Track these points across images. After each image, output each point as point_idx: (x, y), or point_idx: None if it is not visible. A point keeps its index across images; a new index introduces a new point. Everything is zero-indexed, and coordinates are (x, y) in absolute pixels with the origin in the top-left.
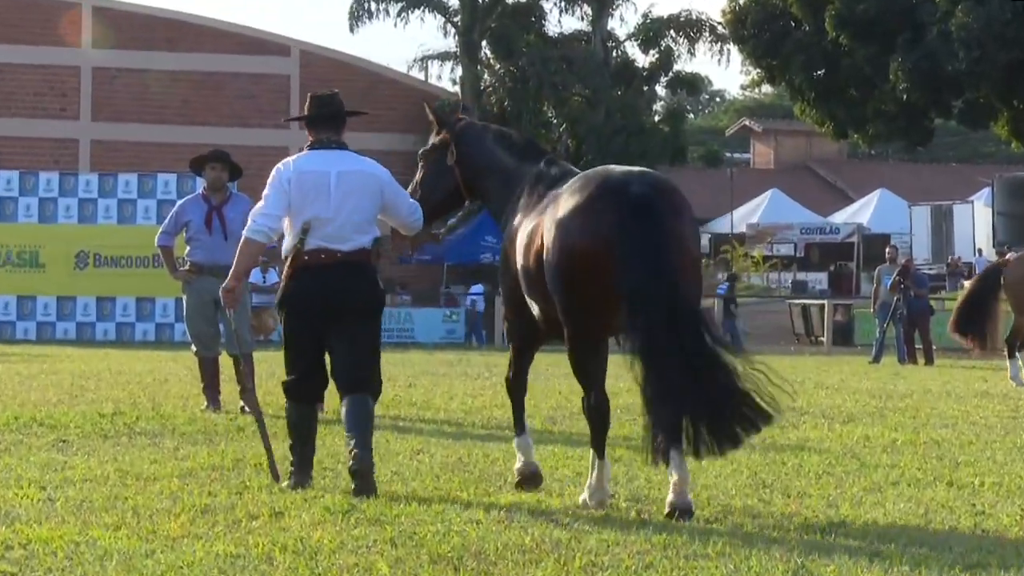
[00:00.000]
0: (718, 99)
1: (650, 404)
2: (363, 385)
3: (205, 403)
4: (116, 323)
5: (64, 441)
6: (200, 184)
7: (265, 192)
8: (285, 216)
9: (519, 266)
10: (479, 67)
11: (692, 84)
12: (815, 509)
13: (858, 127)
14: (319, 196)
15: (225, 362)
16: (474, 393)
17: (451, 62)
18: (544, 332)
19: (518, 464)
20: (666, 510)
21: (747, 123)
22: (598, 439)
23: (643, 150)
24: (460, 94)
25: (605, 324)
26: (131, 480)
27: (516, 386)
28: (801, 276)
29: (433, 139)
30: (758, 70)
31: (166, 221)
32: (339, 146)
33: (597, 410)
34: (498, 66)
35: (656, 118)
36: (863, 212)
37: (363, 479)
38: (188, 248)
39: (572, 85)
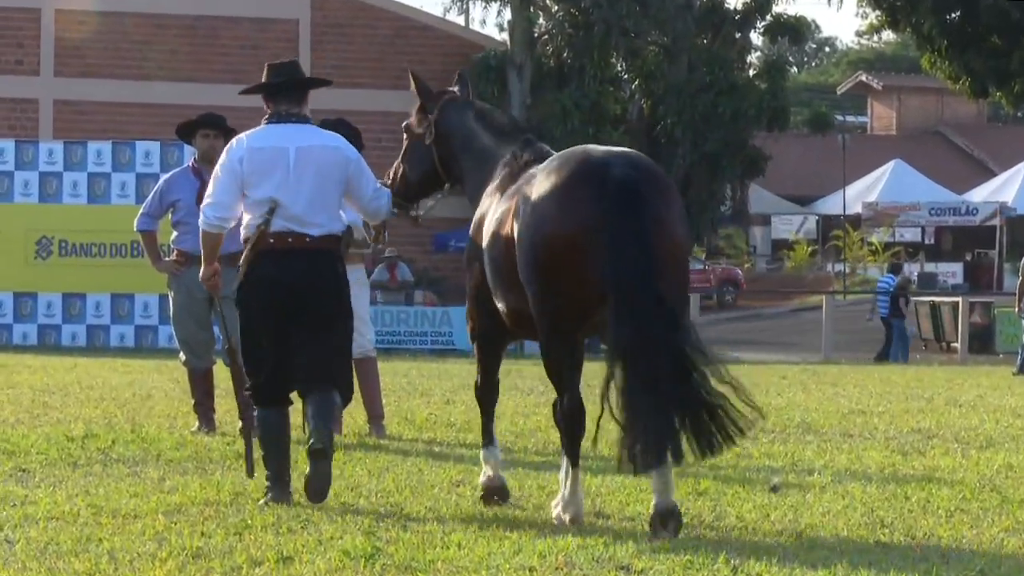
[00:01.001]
0: (827, 49)
1: (634, 404)
2: (329, 382)
3: (196, 423)
4: (86, 325)
5: (24, 470)
6: (190, 155)
7: (215, 173)
8: (238, 202)
9: (486, 256)
10: (532, 9)
11: (795, 30)
12: (945, 554)
13: (1001, 83)
14: (277, 174)
15: (222, 373)
16: (526, 411)
17: (498, 3)
18: (510, 330)
19: (483, 477)
20: (651, 518)
21: (864, 79)
22: (572, 446)
23: (734, 111)
24: (509, 43)
25: (582, 320)
26: (106, 518)
27: (485, 392)
28: (930, 267)
29: (415, 113)
30: (877, 13)
31: (148, 200)
32: (299, 119)
33: (571, 414)
34: (556, 8)
35: (751, 72)
36: (1007, 189)
37: (319, 462)
38: (175, 233)
39: (647, 32)
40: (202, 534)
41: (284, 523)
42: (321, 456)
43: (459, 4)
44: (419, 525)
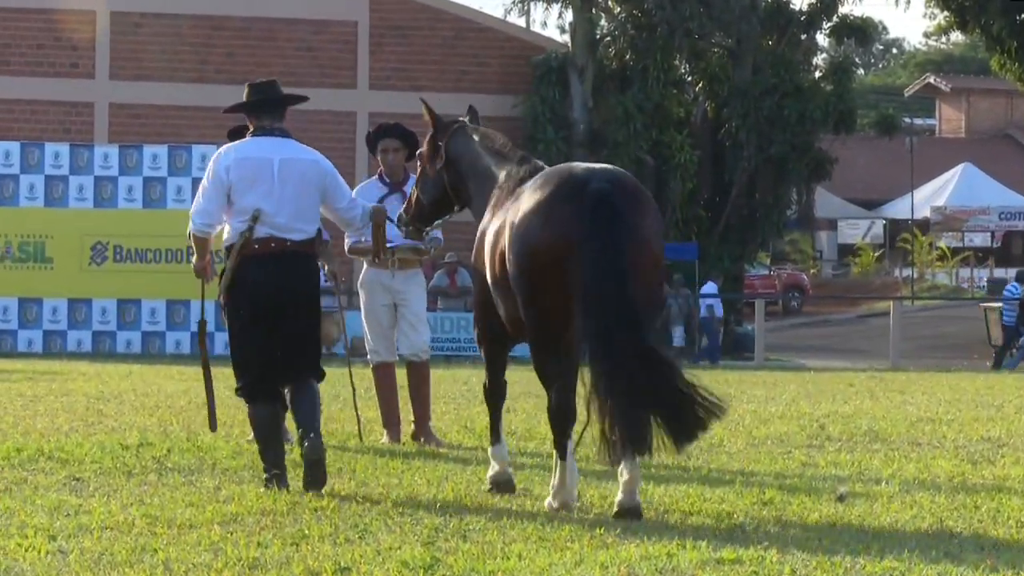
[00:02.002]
0: (895, 50)
1: (605, 401)
2: (309, 373)
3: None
4: (141, 332)
5: (78, 479)
6: None
7: (203, 183)
8: (223, 210)
9: (487, 267)
10: (594, 10)
11: (862, 31)
12: (1016, 565)
13: None
14: (262, 183)
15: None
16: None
17: (559, 4)
18: (511, 335)
19: (491, 472)
20: (615, 510)
21: (932, 81)
22: (560, 440)
23: (800, 114)
24: (570, 45)
25: (565, 324)
26: (162, 528)
27: (492, 392)
28: (1000, 273)
29: (426, 142)
30: (945, 13)
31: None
32: (282, 133)
33: (558, 411)
34: (618, 9)
35: (817, 74)
36: None
37: (314, 468)
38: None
39: (711, 33)
40: (259, 544)
41: (341, 533)
42: (316, 466)
43: (520, 5)
44: (479, 535)
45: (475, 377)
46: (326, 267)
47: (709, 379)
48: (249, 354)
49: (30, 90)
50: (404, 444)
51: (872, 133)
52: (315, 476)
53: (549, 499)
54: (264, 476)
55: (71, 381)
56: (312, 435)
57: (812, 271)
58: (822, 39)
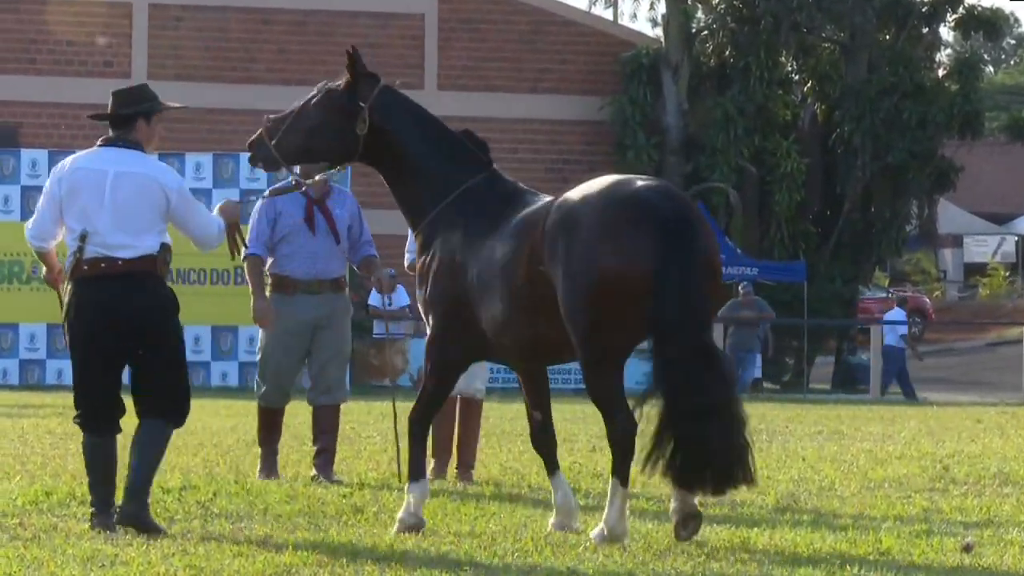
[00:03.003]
0: None
1: (675, 425)
2: (157, 410)
3: (260, 468)
4: None
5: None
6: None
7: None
8: (58, 223)
9: (487, 287)
10: (690, 2)
11: (991, 25)
12: None
13: None
14: (92, 196)
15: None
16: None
17: None
18: (520, 359)
19: (404, 512)
20: (679, 517)
21: None
22: (623, 466)
23: (921, 117)
24: (663, 40)
25: (631, 349)
26: None
27: (423, 424)
28: None
29: (344, 86)
30: None
31: (252, 222)
32: (129, 145)
33: (626, 435)
34: (717, 0)
35: (940, 73)
36: None
37: (131, 520)
38: (273, 256)
39: (821, 27)
40: None
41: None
42: (132, 498)
43: None
44: None
45: (556, 412)
46: (379, 283)
47: (917, 415)
48: (86, 383)
49: (59, 92)
50: (480, 487)
51: (1002, 138)
52: (126, 513)
53: (600, 531)
54: (91, 511)
55: None
56: (129, 495)
57: (935, 293)
58: (946, 33)
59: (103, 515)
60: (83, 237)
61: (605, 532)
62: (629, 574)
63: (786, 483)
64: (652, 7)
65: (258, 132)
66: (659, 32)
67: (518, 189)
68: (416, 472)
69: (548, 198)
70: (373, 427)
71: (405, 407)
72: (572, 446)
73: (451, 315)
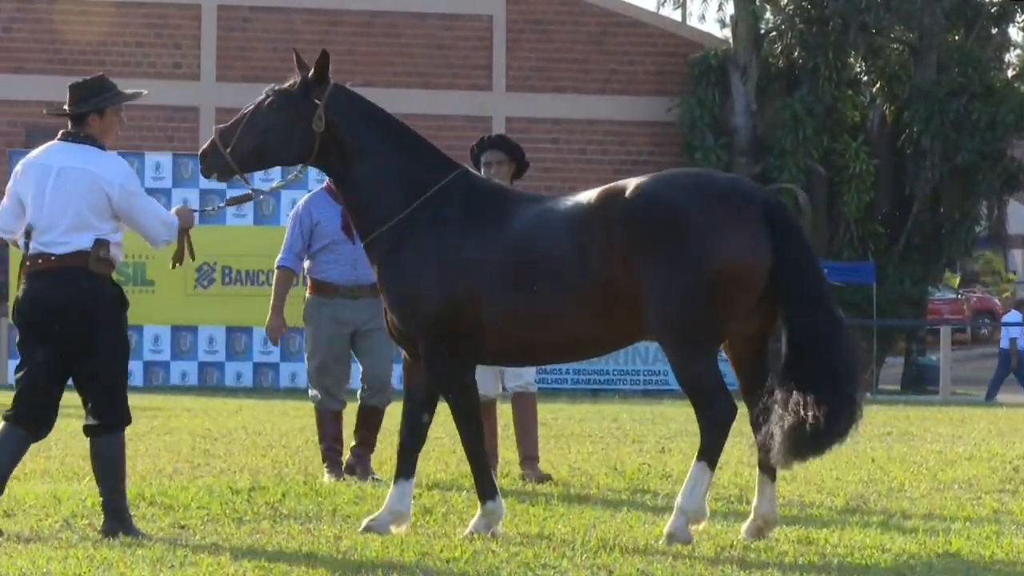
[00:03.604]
0: None
1: (840, 388)
2: (98, 420)
3: (326, 472)
4: (253, 363)
5: (183, 527)
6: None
7: None
8: (19, 217)
9: (548, 281)
10: (759, 3)
11: None
12: None
13: None
14: (36, 191)
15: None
16: (754, 461)
17: None
18: (519, 358)
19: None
20: (759, 522)
21: None
22: (715, 450)
23: (991, 118)
24: (732, 41)
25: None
26: None
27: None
28: None
29: (296, 86)
30: None
31: (289, 232)
32: (81, 139)
33: (729, 419)
34: (785, 1)
35: (1010, 73)
36: None
37: (112, 532)
38: (312, 262)
39: (890, 28)
40: None
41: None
42: (109, 516)
43: None
44: None
45: (625, 413)
46: None
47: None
48: (22, 380)
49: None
50: (550, 486)
51: None
52: (107, 528)
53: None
54: None
55: (175, 418)
56: (105, 514)
57: (1005, 294)
58: (1015, 33)
59: None
60: (28, 233)
61: (688, 514)
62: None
63: (855, 484)
64: (720, 8)
65: (209, 141)
66: (727, 33)
67: (505, 186)
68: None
69: (560, 193)
70: (442, 428)
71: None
72: (641, 447)
73: (445, 316)
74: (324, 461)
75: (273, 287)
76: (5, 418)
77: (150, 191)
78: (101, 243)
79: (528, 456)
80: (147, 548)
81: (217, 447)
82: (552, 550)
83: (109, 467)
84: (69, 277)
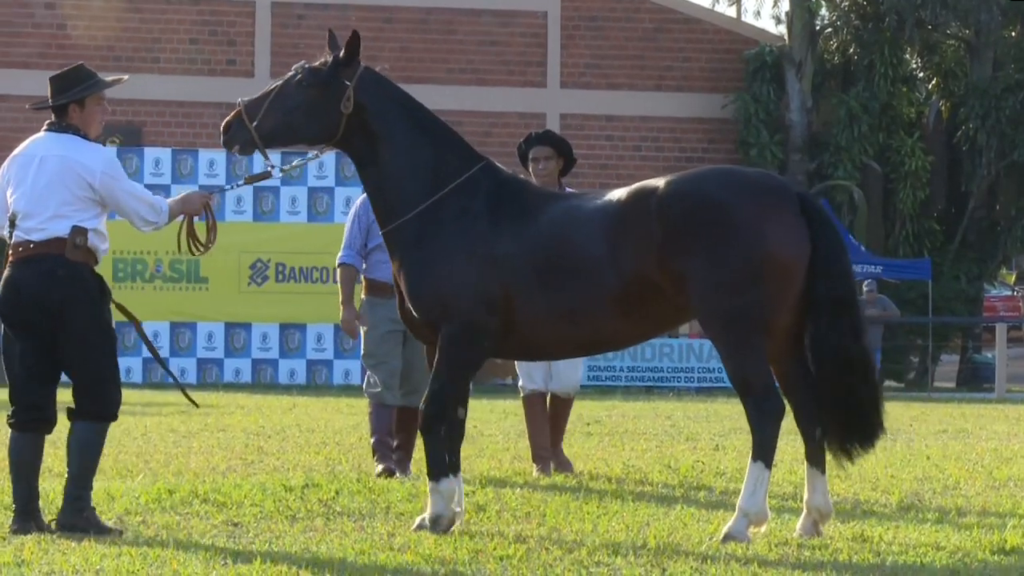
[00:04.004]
0: None
1: (874, 385)
2: (80, 409)
3: (379, 466)
4: (306, 360)
5: (236, 524)
6: None
7: None
8: (7, 210)
9: (585, 276)
10: None
11: None
12: None
13: None
14: (21, 181)
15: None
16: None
17: None
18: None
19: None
20: (814, 516)
21: None
22: (770, 448)
23: None
24: (787, 37)
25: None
26: None
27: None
28: None
29: (327, 65)
30: None
31: (348, 229)
32: (63, 129)
33: (780, 415)
34: None
35: None
36: None
37: (66, 528)
38: (367, 261)
39: (946, 24)
40: None
41: None
42: (66, 505)
43: None
44: None
45: (679, 411)
46: None
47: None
48: (11, 377)
49: (182, 90)
50: (605, 483)
51: None
52: (62, 521)
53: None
54: (11, 518)
55: (228, 415)
56: (64, 502)
57: None
58: None
59: (21, 520)
60: (12, 222)
61: (749, 516)
62: (754, 575)
63: (910, 482)
64: (776, 4)
65: (234, 113)
66: (783, 29)
67: (527, 181)
68: (438, 471)
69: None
70: (495, 425)
71: (516, 405)
72: (695, 444)
73: (478, 310)
74: (374, 454)
75: (339, 284)
76: (10, 425)
77: (204, 189)
78: (78, 230)
79: (550, 449)
80: (199, 544)
81: (270, 444)
82: (606, 548)
83: (76, 455)
84: (46, 265)
